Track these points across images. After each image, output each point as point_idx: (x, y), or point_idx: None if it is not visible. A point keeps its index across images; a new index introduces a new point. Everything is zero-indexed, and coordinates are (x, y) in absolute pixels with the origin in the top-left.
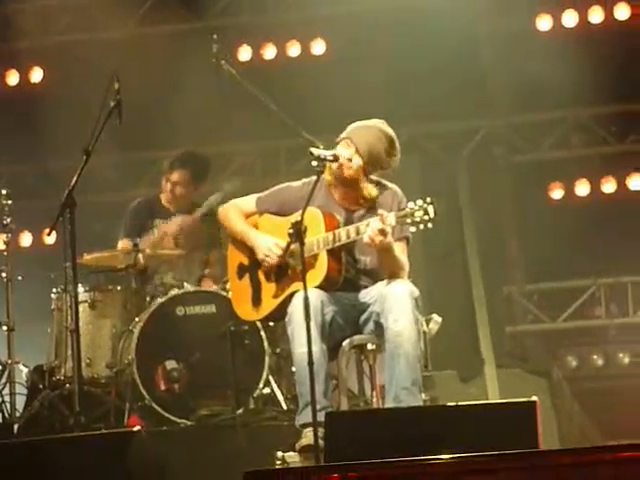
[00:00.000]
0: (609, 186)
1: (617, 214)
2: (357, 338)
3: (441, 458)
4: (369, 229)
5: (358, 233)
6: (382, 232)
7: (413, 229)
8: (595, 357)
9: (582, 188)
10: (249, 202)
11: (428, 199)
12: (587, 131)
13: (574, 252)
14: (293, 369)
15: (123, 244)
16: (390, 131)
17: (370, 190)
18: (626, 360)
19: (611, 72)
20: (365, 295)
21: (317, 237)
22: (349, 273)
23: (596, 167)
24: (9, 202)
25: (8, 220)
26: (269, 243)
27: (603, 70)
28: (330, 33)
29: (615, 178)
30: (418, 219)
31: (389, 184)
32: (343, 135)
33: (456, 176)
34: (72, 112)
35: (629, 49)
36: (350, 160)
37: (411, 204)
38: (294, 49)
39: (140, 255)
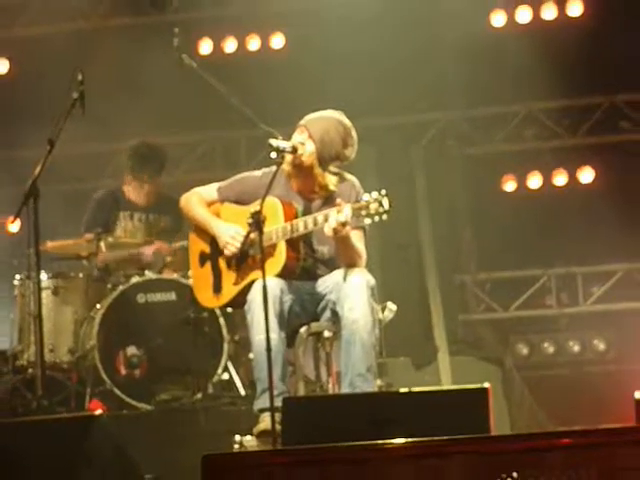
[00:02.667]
0: (560, 179)
1: (568, 206)
2: (314, 326)
3: (395, 442)
4: (331, 220)
5: (316, 224)
6: (344, 224)
7: (369, 220)
8: (546, 345)
9: (534, 180)
10: (210, 191)
11: (383, 191)
12: (539, 125)
13: (526, 242)
14: (251, 356)
15: (87, 235)
16: (346, 122)
17: (327, 180)
18: (576, 348)
19: (563, 67)
20: (322, 284)
21: (276, 227)
22: (307, 262)
23: (548, 160)
24: None
25: None
26: (230, 231)
27: (555, 65)
28: (289, 28)
29: (566, 171)
30: (373, 211)
31: (348, 175)
32: (300, 123)
33: (412, 168)
34: (37, 103)
35: (581, 45)
36: (303, 144)
37: (366, 196)
38: (254, 43)
39: (102, 243)
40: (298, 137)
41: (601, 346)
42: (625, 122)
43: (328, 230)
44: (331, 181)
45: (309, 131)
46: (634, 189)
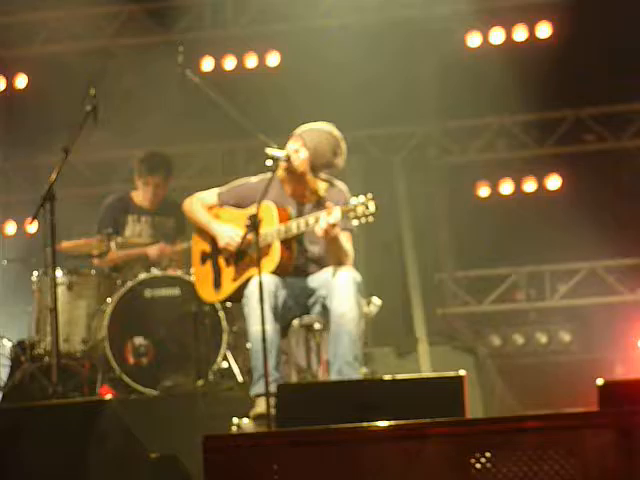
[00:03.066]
0: (529, 185)
1: (537, 210)
2: (305, 318)
3: (378, 425)
4: (322, 222)
5: (307, 225)
6: (333, 226)
7: (356, 222)
8: (516, 337)
9: (506, 187)
10: (211, 195)
11: (369, 195)
12: (510, 136)
13: (499, 243)
14: (248, 345)
15: (98, 236)
16: (337, 133)
17: (318, 186)
18: (543, 340)
19: (532, 84)
20: (313, 280)
21: (271, 228)
22: (299, 261)
23: (518, 168)
24: None
25: None
26: (229, 232)
27: (525, 82)
28: (284, 46)
29: (535, 178)
30: (360, 214)
31: (337, 182)
32: (293, 133)
33: (394, 175)
34: (53, 115)
35: (549, 63)
36: (296, 153)
37: (354, 199)
38: (251, 61)
39: (112, 243)
40: (292, 146)
41: (566, 338)
42: (589, 134)
43: (319, 231)
44: (321, 187)
45: (303, 141)
46: (597, 195)
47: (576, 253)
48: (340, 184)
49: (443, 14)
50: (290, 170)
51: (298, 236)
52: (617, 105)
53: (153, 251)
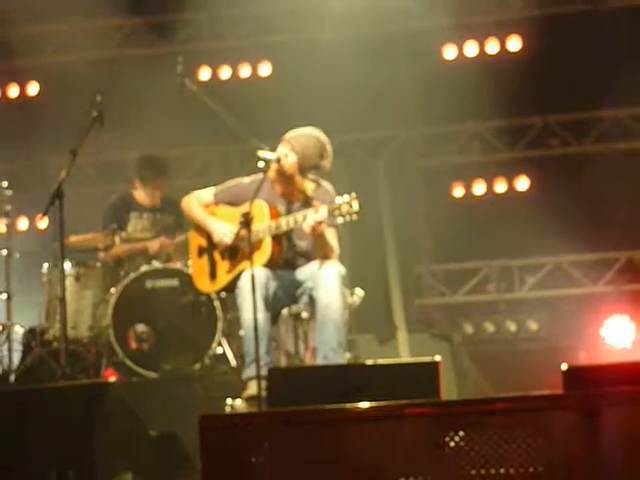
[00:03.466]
0: (500, 186)
1: (507, 209)
2: (294, 308)
3: (360, 406)
4: (309, 219)
5: (296, 222)
6: (320, 223)
7: (341, 220)
8: (487, 325)
9: (479, 187)
10: (207, 194)
11: (353, 195)
12: (483, 141)
13: (472, 239)
14: (241, 332)
15: (103, 231)
16: (324, 138)
17: (306, 186)
18: (512, 328)
19: (504, 93)
20: (301, 273)
21: (263, 225)
22: (288, 255)
23: (490, 170)
24: (9, 193)
25: (8, 208)
26: (224, 229)
27: (497, 91)
28: (275, 57)
29: (506, 180)
30: (345, 212)
31: (324, 182)
32: (283, 138)
33: (377, 177)
34: (62, 119)
35: (519, 74)
36: (286, 156)
37: (339, 199)
38: (245, 71)
39: (117, 238)
40: (282, 149)
41: (534, 326)
42: (554, 139)
43: (306, 228)
44: (309, 187)
45: (292, 145)
46: (562, 195)
47: (543, 248)
48: (326, 184)
49: (423, 29)
50: (280, 171)
51: (287, 232)
52: (580, 112)
53: (154, 245)
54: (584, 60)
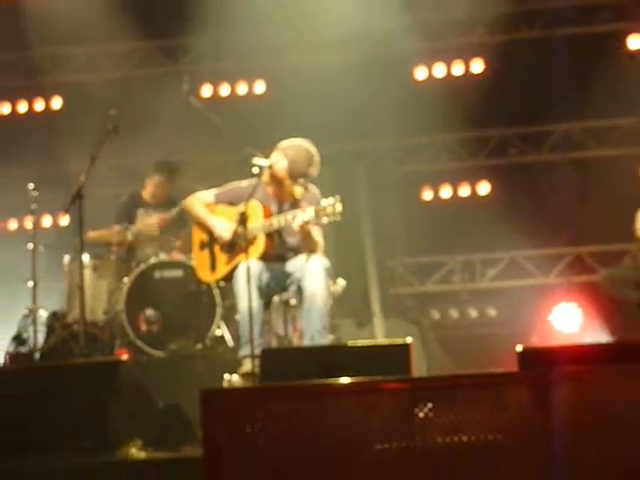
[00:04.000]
0: (464, 190)
1: (470, 211)
2: (284, 296)
3: (342, 382)
4: (298, 219)
5: (286, 221)
6: (307, 222)
7: (326, 219)
8: (452, 312)
9: (445, 191)
10: (209, 195)
11: (337, 197)
12: (449, 150)
13: (439, 237)
14: (237, 317)
15: (115, 228)
16: (311, 148)
17: (295, 189)
18: (474, 314)
19: (468, 108)
20: (290, 265)
21: (257, 223)
22: (279, 249)
23: (455, 176)
24: (35, 193)
25: (34, 206)
26: (223, 226)
27: (463, 107)
28: (269, 77)
29: (469, 185)
30: (329, 212)
31: (311, 186)
32: (276, 147)
33: (357, 181)
34: (82, 130)
35: (481, 93)
36: (278, 162)
37: (324, 201)
38: (242, 88)
39: (128, 233)
40: (275, 157)
41: (492, 313)
42: (512, 149)
43: (295, 226)
44: (298, 190)
45: (283, 153)
46: (518, 198)
47: (501, 245)
48: (313, 188)
49: (398, 54)
50: (272, 176)
51: (279, 230)
52: (535, 126)
53: (154, 221)
54: (537, 80)
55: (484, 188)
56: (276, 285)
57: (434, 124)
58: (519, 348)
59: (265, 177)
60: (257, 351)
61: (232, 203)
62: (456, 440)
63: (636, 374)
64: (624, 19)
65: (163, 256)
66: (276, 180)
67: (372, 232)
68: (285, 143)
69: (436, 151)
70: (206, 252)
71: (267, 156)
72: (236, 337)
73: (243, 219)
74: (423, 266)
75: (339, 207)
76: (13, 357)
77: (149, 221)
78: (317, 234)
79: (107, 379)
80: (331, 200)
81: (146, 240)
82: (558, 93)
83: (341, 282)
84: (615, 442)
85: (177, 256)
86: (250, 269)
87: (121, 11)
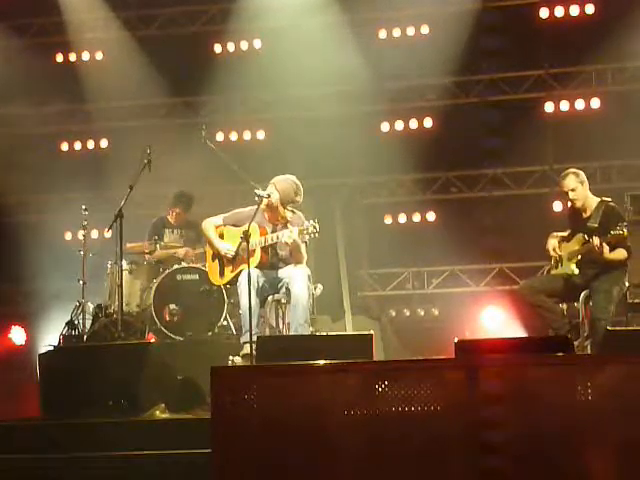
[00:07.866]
0: (416, 217)
1: (420, 233)
2: (276, 296)
3: (319, 363)
4: (287, 237)
5: (278, 238)
6: (294, 239)
7: (307, 237)
8: (405, 311)
9: (402, 218)
10: (218, 219)
11: (316, 220)
12: (406, 187)
13: (397, 253)
14: (240, 312)
15: (147, 242)
16: (297, 182)
17: (285, 214)
18: (422, 313)
19: (420, 155)
20: (281, 273)
21: (256, 240)
22: (273, 260)
23: (410, 207)
24: (86, 213)
25: (85, 223)
26: (227, 247)
27: (416, 154)
28: (267, 127)
29: (420, 214)
30: (311, 231)
31: (297, 212)
32: (271, 181)
33: (333, 209)
34: (123, 165)
35: (431, 142)
36: (272, 194)
37: (307, 223)
38: (247, 135)
39: (157, 245)
40: (270, 189)
41: (436, 313)
42: (453, 187)
43: (285, 242)
44: (287, 215)
45: (276, 186)
46: (457, 225)
47: (443, 260)
48: (299, 213)
49: (368, 111)
50: (268, 204)
51: (272, 245)
52: (470, 170)
53: (181, 252)
54: (473, 135)
55: (431, 216)
56: (270, 288)
57: (394, 166)
58: (456, 340)
59: (262, 205)
60: (254, 338)
61: (237, 225)
62: (406, 410)
63: (542, 361)
64: (543, 89)
65: (184, 264)
66: (271, 207)
67: (344, 248)
68: (278, 178)
69: (395, 187)
70: (216, 262)
71: (264, 188)
72: (238, 327)
73: (246, 237)
74: (383, 275)
75: (317, 227)
76: (66, 338)
77: (181, 252)
78: (302, 249)
79: (139, 357)
80: (312, 222)
81: (170, 253)
82: (488, 146)
83: (320, 286)
84: (526, 409)
85: (195, 264)
86: (250, 275)
87: (155, 74)
